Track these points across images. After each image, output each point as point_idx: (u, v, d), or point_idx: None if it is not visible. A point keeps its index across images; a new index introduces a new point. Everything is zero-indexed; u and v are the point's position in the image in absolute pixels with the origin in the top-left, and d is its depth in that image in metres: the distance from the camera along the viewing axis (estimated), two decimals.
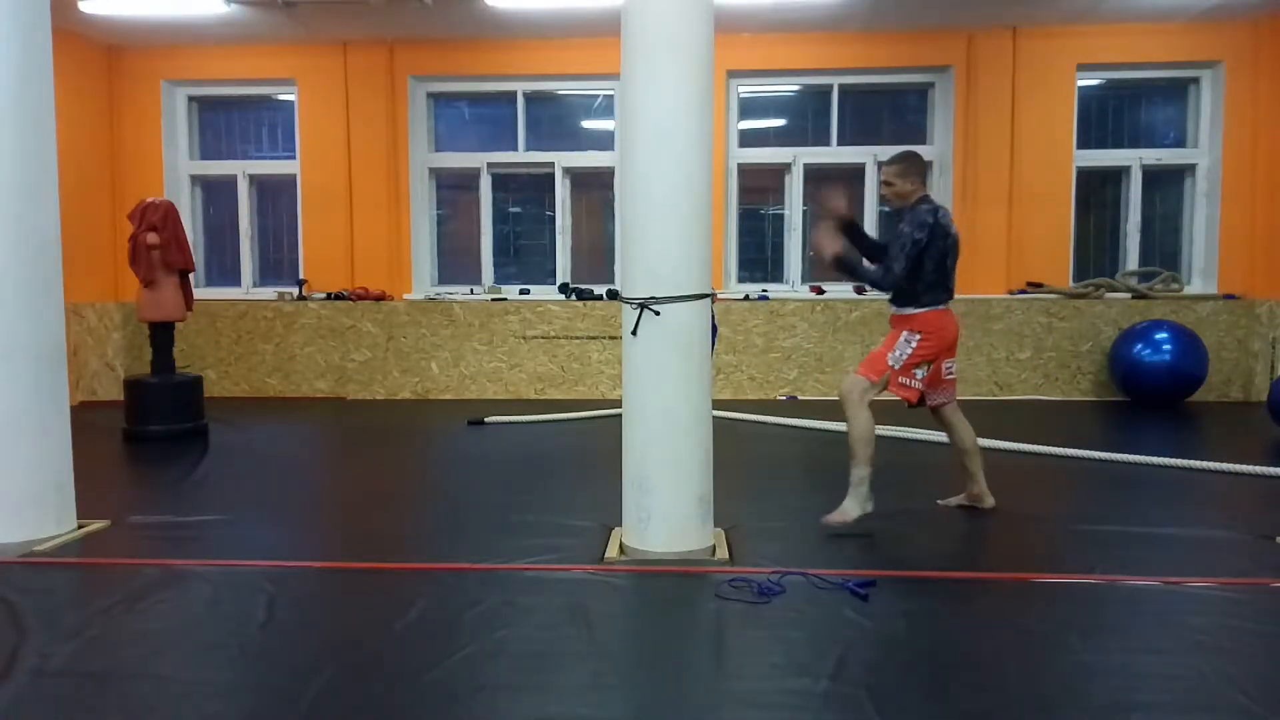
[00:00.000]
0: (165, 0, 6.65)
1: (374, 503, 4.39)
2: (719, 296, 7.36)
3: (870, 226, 7.54)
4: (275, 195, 8.16)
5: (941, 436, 5.54)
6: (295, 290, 7.87)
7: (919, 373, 3.76)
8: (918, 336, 3.75)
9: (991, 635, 2.68)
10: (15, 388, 3.52)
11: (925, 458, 5.15)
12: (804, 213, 7.84)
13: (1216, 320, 7.36)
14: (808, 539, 3.65)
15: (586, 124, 8.06)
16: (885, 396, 3.88)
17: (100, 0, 6.59)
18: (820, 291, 7.70)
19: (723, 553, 3.43)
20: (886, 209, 3.95)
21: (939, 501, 4.14)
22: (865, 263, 3.88)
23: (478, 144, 8.08)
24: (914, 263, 3.70)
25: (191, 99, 8.08)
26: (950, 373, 3.93)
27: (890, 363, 3.75)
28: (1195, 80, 7.55)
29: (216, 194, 8.22)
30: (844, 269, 3.83)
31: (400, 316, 7.76)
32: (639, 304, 3.32)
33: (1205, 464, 4.77)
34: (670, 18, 3.27)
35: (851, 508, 3.71)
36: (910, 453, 5.22)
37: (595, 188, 8.08)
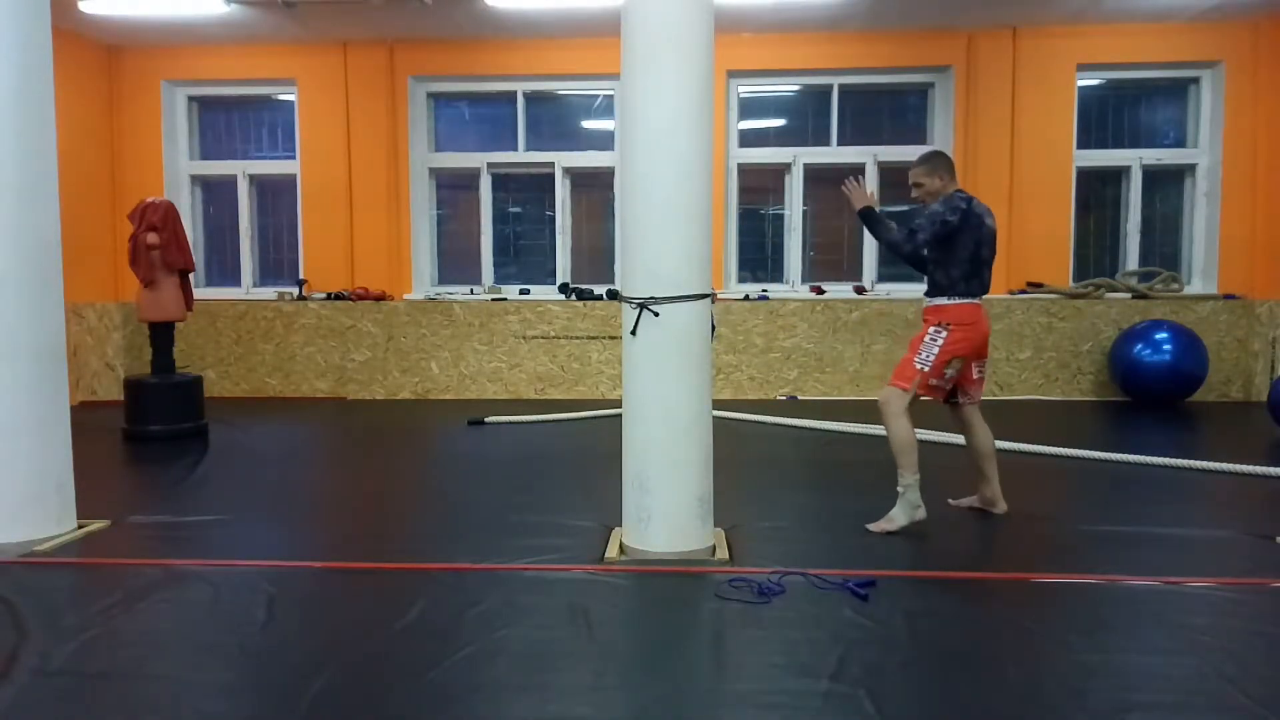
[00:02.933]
0: (165, 0, 6.65)
1: (374, 503, 4.39)
2: (719, 296, 7.36)
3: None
4: (275, 195, 8.16)
5: (951, 437, 5.55)
6: (295, 290, 7.87)
7: (949, 371, 3.73)
8: (946, 331, 3.70)
9: (991, 635, 2.68)
10: (15, 388, 3.52)
11: (931, 458, 5.13)
12: (804, 213, 7.84)
13: (1216, 320, 7.36)
14: (808, 539, 3.65)
15: (586, 124, 8.06)
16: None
17: (100, 0, 6.59)
18: (820, 291, 7.69)
19: (723, 553, 3.43)
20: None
21: (950, 501, 4.13)
22: (889, 221, 3.84)
23: (478, 144, 8.08)
24: (943, 246, 3.69)
25: (191, 99, 8.08)
26: (980, 373, 3.90)
27: (919, 366, 3.70)
28: (1195, 80, 7.55)
29: (216, 194, 8.22)
30: (870, 220, 3.83)
31: (400, 316, 7.76)
32: (639, 304, 3.32)
33: (1205, 464, 4.77)
34: (670, 18, 3.27)
35: (899, 515, 3.69)
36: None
37: (595, 188, 8.08)
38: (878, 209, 3.91)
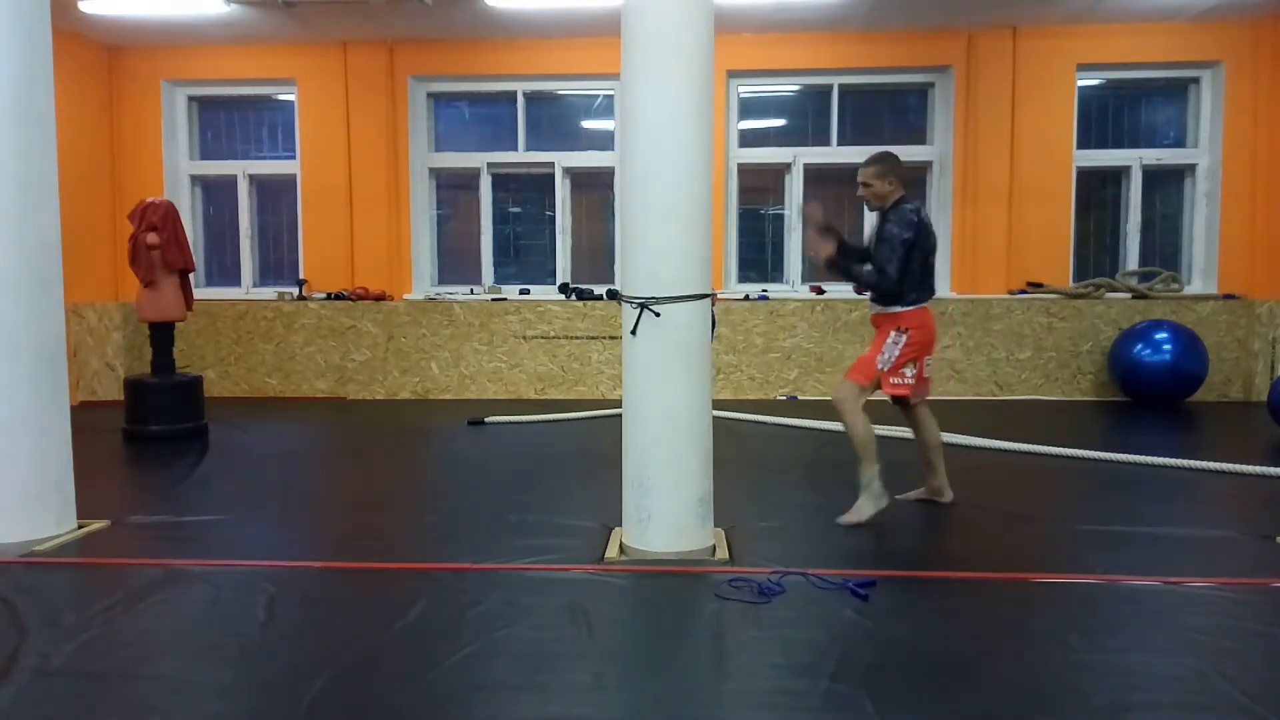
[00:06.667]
0: (165, 0, 6.65)
1: (374, 503, 4.39)
2: (719, 296, 7.36)
3: (864, 225, 7.53)
4: (275, 195, 8.16)
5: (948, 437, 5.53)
6: (295, 290, 7.87)
7: (908, 371, 3.83)
8: (905, 335, 3.79)
9: (991, 635, 2.68)
10: (15, 388, 3.52)
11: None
12: (804, 213, 7.84)
13: (1216, 320, 7.35)
14: (808, 539, 3.65)
15: (586, 124, 8.06)
16: (879, 397, 3.91)
17: (100, 0, 6.58)
18: (820, 291, 7.69)
19: (723, 553, 3.43)
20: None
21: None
22: (859, 266, 3.92)
23: (478, 144, 8.08)
24: (905, 262, 3.74)
25: (191, 99, 8.08)
26: (928, 371, 3.96)
27: (880, 366, 3.81)
28: (1195, 80, 7.55)
29: (216, 194, 8.22)
30: (838, 270, 3.92)
31: (400, 316, 7.76)
32: (639, 304, 3.32)
33: (1205, 464, 4.77)
34: (670, 18, 3.27)
35: (865, 506, 3.76)
36: (908, 452, 5.21)
37: (595, 188, 8.08)
38: (842, 242, 3.96)
